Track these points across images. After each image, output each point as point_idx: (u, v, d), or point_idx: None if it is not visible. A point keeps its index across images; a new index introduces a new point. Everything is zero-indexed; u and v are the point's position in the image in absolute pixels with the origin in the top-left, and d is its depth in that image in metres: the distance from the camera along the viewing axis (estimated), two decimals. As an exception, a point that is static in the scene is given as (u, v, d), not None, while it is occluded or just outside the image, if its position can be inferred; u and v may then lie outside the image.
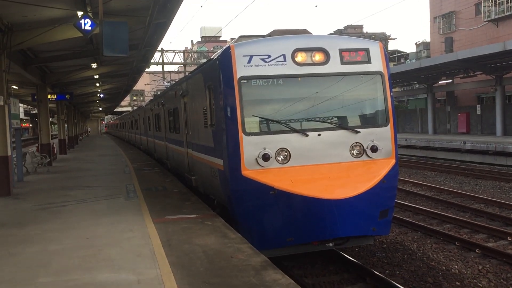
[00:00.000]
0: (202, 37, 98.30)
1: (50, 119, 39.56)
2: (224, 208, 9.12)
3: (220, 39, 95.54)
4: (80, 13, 11.75)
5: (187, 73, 15.27)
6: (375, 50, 8.75)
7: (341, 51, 8.52)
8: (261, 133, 8.13)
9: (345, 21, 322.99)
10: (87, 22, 10.33)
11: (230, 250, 6.86)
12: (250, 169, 7.93)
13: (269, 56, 8.20)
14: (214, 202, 10.14)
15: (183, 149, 13.09)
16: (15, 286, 5.84)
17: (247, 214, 8.11)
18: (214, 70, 8.74)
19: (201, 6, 29.90)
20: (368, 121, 8.74)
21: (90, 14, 11.65)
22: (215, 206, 10.05)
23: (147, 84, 70.58)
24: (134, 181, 15.19)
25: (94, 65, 21.50)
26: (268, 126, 8.24)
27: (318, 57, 8.42)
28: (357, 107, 8.77)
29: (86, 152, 33.58)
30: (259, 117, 8.19)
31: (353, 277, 8.48)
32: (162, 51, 45.22)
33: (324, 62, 8.42)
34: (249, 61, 8.11)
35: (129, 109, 72.89)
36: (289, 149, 8.09)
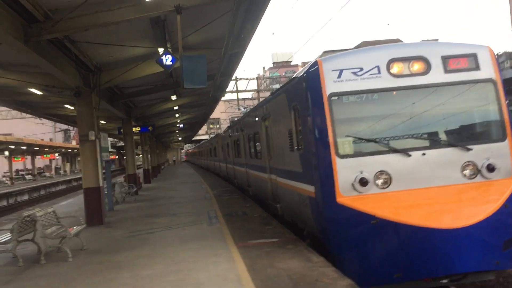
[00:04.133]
0: (273, 63, 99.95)
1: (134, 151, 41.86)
2: (316, 238, 8.43)
3: (291, 64, 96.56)
4: (161, 50, 12.49)
5: (260, 100, 15.52)
6: (484, 55, 7.74)
7: (444, 58, 7.63)
8: (356, 154, 7.33)
9: (418, 37, 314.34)
10: (168, 57, 10.90)
11: (314, 274, 6.84)
12: (346, 196, 7.16)
13: (361, 69, 7.48)
14: (303, 232, 9.38)
15: (265, 175, 12.69)
16: (113, 309, 6.21)
17: (344, 246, 7.24)
18: (300, 88, 8.19)
19: (273, 34, 30.40)
20: (481, 136, 7.70)
21: (170, 49, 12.36)
22: (304, 236, 9.31)
23: (222, 112, 72.63)
24: (215, 207, 15.60)
25: (173, 97, 22.65)
26: (364, 147, 7.43)
27: (418, 66, 7.59)
28: (467, 121, 7.74)
29: (168, 180, 34.98)
30: (354, 137, 7.43)
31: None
32: (236, 79, 46.52)
33: (425, 72, 7.58)
34: (339, 76, 7.43)
35: (206, 137, 75.22)
36: (389, 172, 7.25)
